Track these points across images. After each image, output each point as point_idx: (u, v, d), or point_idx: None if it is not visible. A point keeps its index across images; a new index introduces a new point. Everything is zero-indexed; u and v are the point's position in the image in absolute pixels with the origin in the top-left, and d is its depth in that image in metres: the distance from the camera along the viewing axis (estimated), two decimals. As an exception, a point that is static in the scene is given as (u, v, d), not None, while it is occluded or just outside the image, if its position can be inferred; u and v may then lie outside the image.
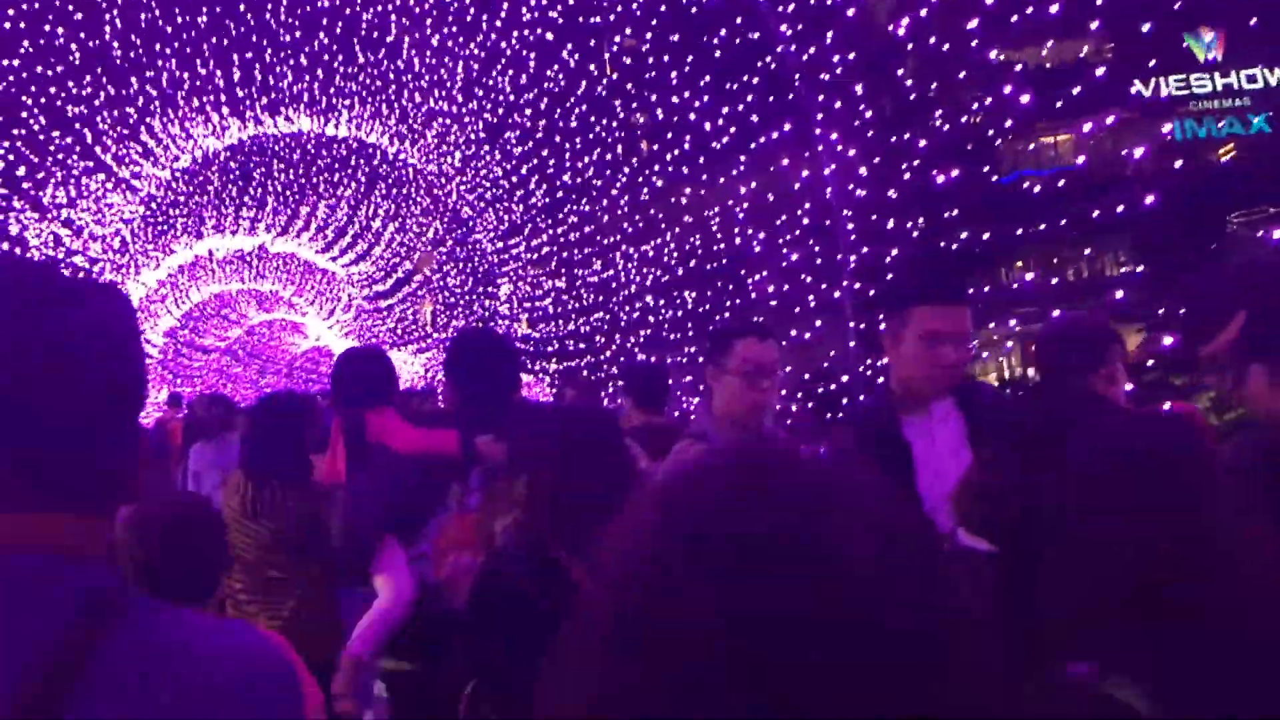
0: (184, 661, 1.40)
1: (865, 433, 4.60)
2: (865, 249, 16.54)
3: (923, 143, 16.71)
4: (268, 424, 6.50)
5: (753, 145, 18.75)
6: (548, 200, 26.34)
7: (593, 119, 22.79)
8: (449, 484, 5.08)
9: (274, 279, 43.93)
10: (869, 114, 17.40)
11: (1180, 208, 30.23)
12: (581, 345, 26.63)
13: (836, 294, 16.77)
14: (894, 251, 16.17)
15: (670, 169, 21.23)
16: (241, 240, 38.42)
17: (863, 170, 16.71)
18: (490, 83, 24.19)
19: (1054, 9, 14.19)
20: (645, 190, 22.60)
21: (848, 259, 16.52)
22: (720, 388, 4.93)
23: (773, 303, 18.45)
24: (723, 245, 20.92)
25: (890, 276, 13.80)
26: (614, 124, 22.63)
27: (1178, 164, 36.11)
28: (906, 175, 16.65)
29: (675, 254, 22.17)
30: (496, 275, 32.74)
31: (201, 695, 1.37)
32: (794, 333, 16.97)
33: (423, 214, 35.22)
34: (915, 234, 16.70)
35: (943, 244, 16.63)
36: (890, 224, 16.63)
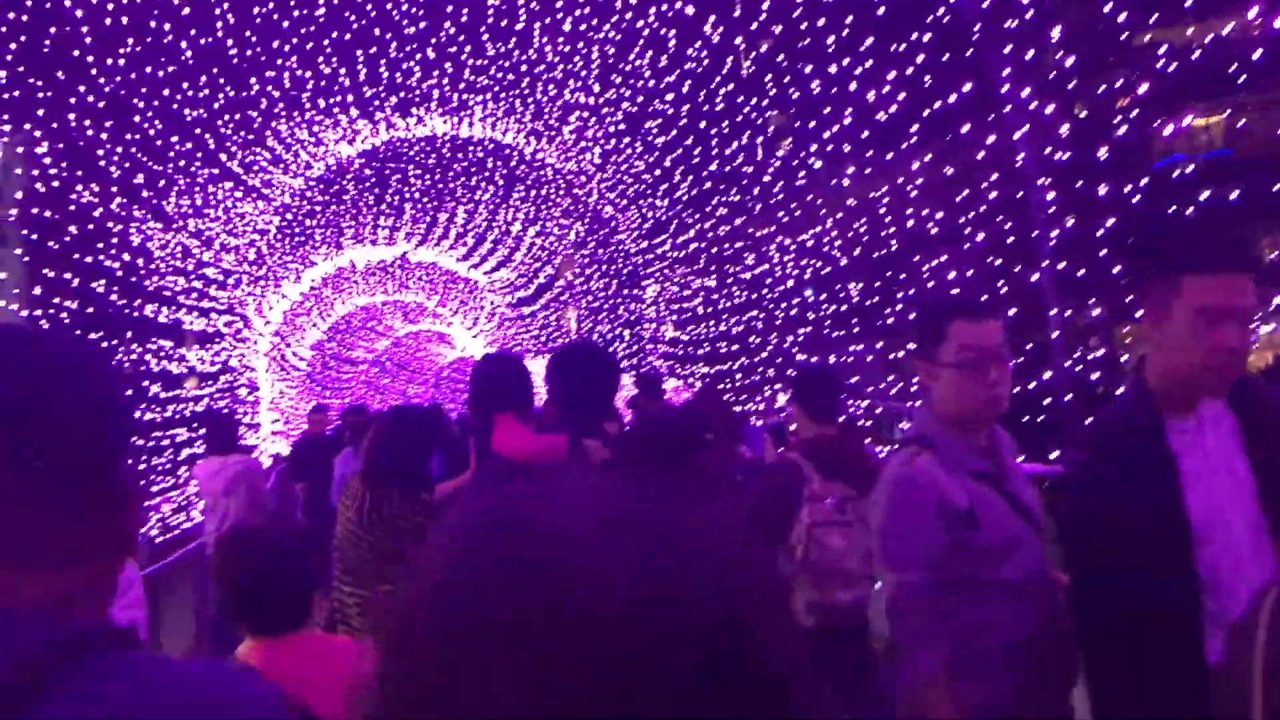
0: (133, 710, 1.32)
1: (1123, 442, 3.72)
2: (1070, 221, 14.06)
3: (1144, 87, 14.16)
4: (391, 433, 6.57)
5: (925, 112, 16.21)
6: (694, 192, 24.19)
7: (740, 99, 20.56)
8: None
9: (417, 289, 42.99)
10: (1069, 60, 14.86)
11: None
12: (734, 346, 24.44)
13: (1034, 277, 14.40)
14: (1109, 222, 13.55)
15: (830, 146, 18.82)
16: (382, 250, 37.12)
17: (1063, 129, 14.22)
18: (628, 68, 22.13)
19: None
20: (802, 173, 20.28)
21: (1046, 235, 14.10)
22: (938, 385, 4.10)
23: (954, 291, 16.05)
24: (893, 229, 18.45)
25: (1150, 239, 11.77)
26: (764, 102, 20.34)
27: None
28: (1123, 128, 14.08)
29: (838, 242, 19.85)
30: (641, 276, 30.74)
31: None
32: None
33: (563, 216, 33.49)
34: (1136, 199, 13.96)
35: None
36: (1102, 190, 13.92)
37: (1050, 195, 14.20)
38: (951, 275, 16.29)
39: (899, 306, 18.12)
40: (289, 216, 30.36)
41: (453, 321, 46.81)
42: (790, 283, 21.57)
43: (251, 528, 4.12)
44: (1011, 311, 14.16)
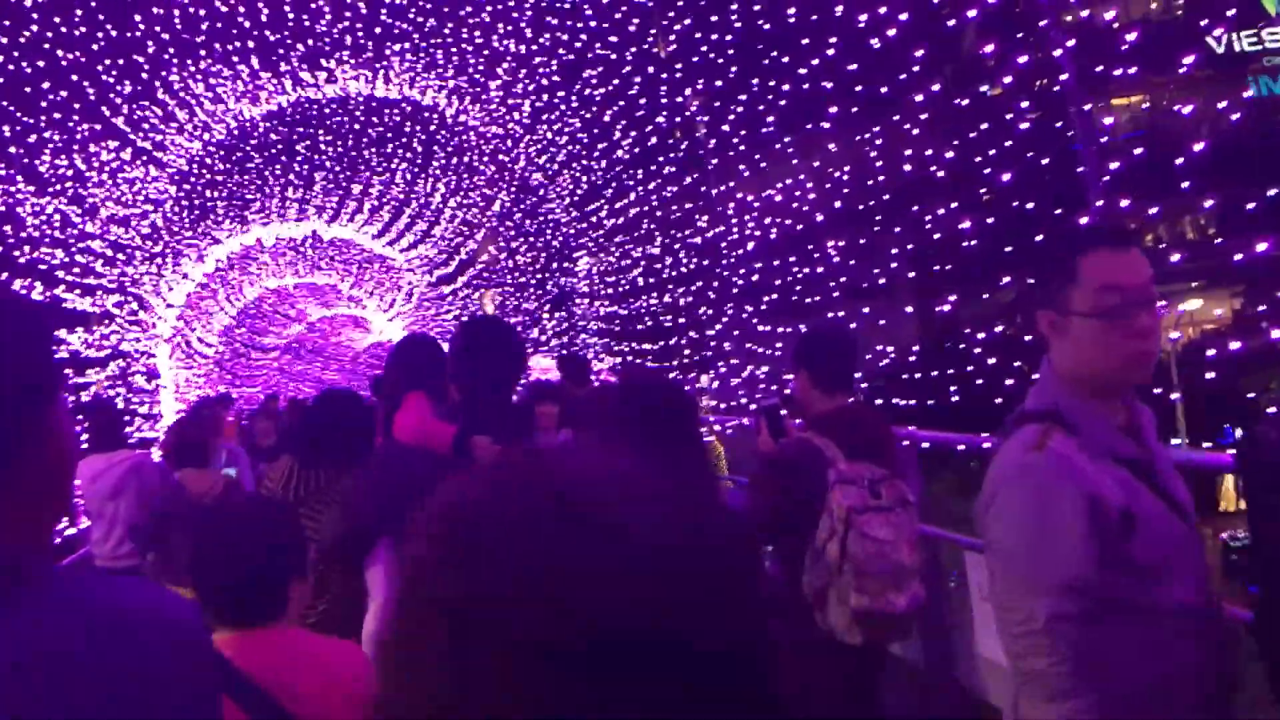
0: (82, 616, 1.41)
1: None
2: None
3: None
4: (320, 411, 6.70)
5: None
6: (637, 150, 21.19)
7: (699, 35, 17.61)
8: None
9: (330, 270, 40.69)
10: None
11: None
12: (681, 320, 21.57)
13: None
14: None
15: (806, 86, 15.89)
16: (291, 227, 34.10)
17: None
18: (564, 4, 19.12)
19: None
20: (770, 120, 17.36)
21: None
22: (1067, 340, 3.21)
23: (970, 244, 13.65)
24: (885, 178, 15.78)
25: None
26: (725, 38, 17.38)
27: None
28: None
29: (811, 195, 17.05)
30: (573, 248, 27.69)
31: (105, 643, 1.39)
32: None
33: (487, 185, 30.33)
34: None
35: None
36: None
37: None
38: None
39: (894, 266, 15.60)
40: (187, 186, 27.20)
41: (368, 304, 44.66)
42: (750, 245, 18.70)
43: (227, 508, 3.97)
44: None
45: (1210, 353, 33.59)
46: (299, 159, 29.22)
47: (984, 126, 13.81)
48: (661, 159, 20.74)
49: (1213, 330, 43.13)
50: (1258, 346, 29.19)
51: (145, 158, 23.16)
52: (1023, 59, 13.48)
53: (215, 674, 1.52)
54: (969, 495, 3.51)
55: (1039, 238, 12.76)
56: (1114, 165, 12.50)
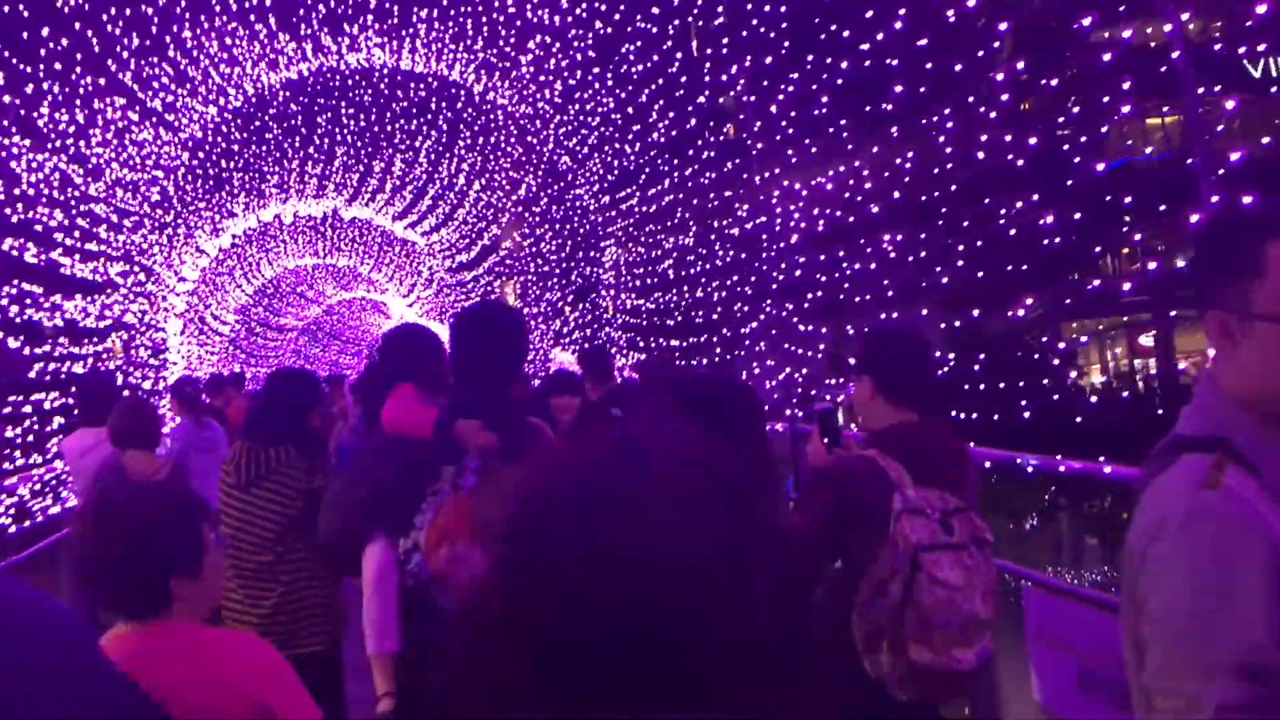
0: None
1: None
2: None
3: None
4: (271, 393, 6.83)
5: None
6: (674, 133, 19.65)
7: (748, 6, 16.06)
8: (438, 465, 4.67)
9: (350, 252, 39.59)
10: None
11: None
12: (715, 315, 20.06)
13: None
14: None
15: (867, 63, 14.35)
16: (310, 205, 32.72)
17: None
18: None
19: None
20: (824, 101, 15.80)
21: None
22: (1243, 350, 2.53)
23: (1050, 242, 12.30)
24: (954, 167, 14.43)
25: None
26: (776, 8, 15.82)
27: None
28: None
29: (867, 187, 15.54)
30: (601, 237, 26.13)
31: None
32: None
33: (513, 168, 28.81)
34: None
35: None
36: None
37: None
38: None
39: (962, 265, 14.18)
40: (201, 154, 25.75)
41: (388, 288, 43.98)
42: (794, 238, 17.17)
43: (110, 492, 3.61)
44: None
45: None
46: (319, 132, 27.84)
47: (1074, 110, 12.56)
48: (700, 143, 19.17)
49: None
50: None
51: (155, 119, 21.71)
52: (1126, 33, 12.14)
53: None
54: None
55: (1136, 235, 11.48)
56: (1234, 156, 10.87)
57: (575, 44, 19.97)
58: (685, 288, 21.40)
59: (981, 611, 4.33)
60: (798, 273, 17.36)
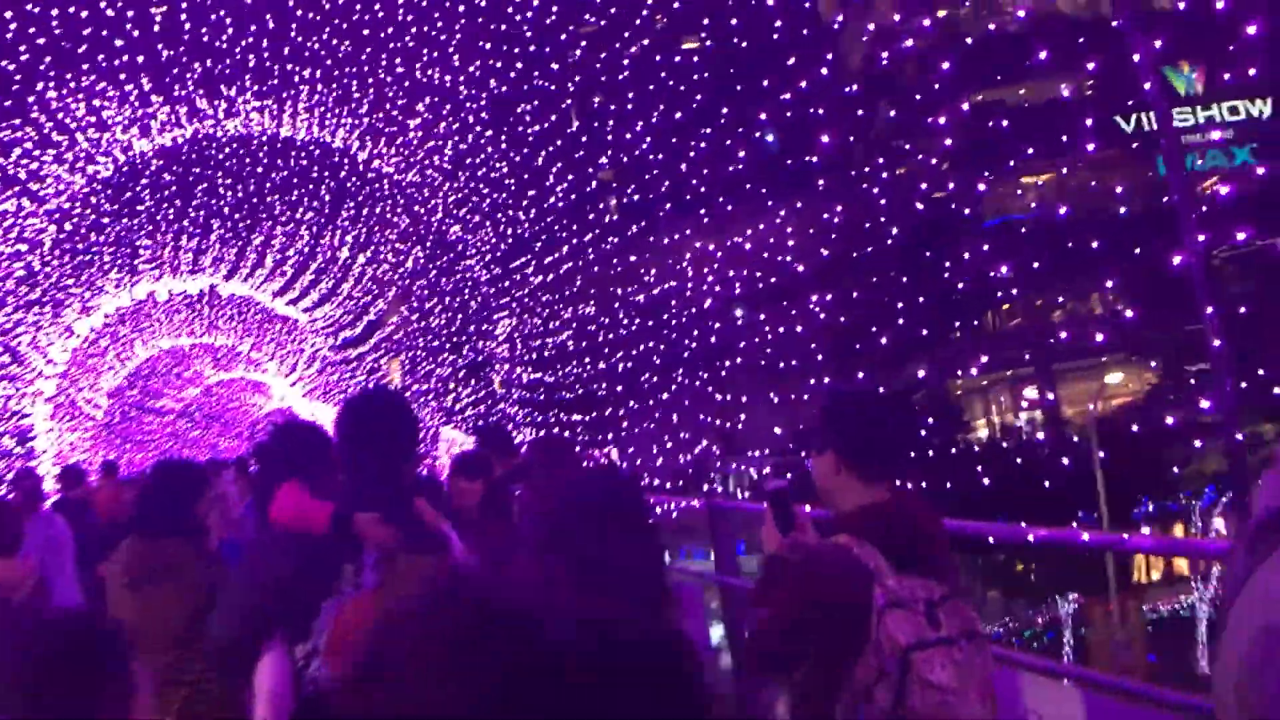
0: None
1: None
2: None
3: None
4: (163, 483, 6.46)
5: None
6: (573, 196, 18.47)
7: (651, 62, 15.05)
8: (338, 563, 4.36)
9: (228, 330, 37.97)
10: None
11: (1166, 243, 27.81)
12: (619, 388, 18.84)
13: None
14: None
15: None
16: (185, 282, 31.07)
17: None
18: (500, 28, 16.42)
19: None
20: (742, 158, 14.81)
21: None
22: None
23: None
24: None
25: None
26: (678, 63, 14.86)
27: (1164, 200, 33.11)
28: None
29: (791, 248, 14.60)
30: (493, 309, 24.78)
31: None
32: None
33: (400, 239, 27.38)
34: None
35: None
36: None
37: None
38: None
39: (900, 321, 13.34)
40: (68, 226, 24.04)
41: (269, 368, 42.04)
42: (708, 302, 16.09)
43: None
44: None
45: (1134, 427, 34.32)
46: (195, 204, 26.29)
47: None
48: (601, 205, 18.03)
49: (1130, 403, 43.02)
50: (1178, 420, 29.77)
51: (18, 188, 20.08)
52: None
53: None
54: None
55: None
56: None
57: (467, 104, 18.75)
58: (586, 359, 20.18)
59: (980, 714, 3.82)
60: (712, 339, 16.28)
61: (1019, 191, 48.45)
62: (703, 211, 16.46)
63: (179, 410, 45.65)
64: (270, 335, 37.64)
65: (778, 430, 20.38)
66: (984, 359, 41.00)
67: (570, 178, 18.32)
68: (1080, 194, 42.36)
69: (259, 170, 25.33)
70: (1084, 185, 43.04)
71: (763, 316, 18.27)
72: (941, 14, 46.64)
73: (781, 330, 17.58)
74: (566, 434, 20.13)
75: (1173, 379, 38.75)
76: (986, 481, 23.70)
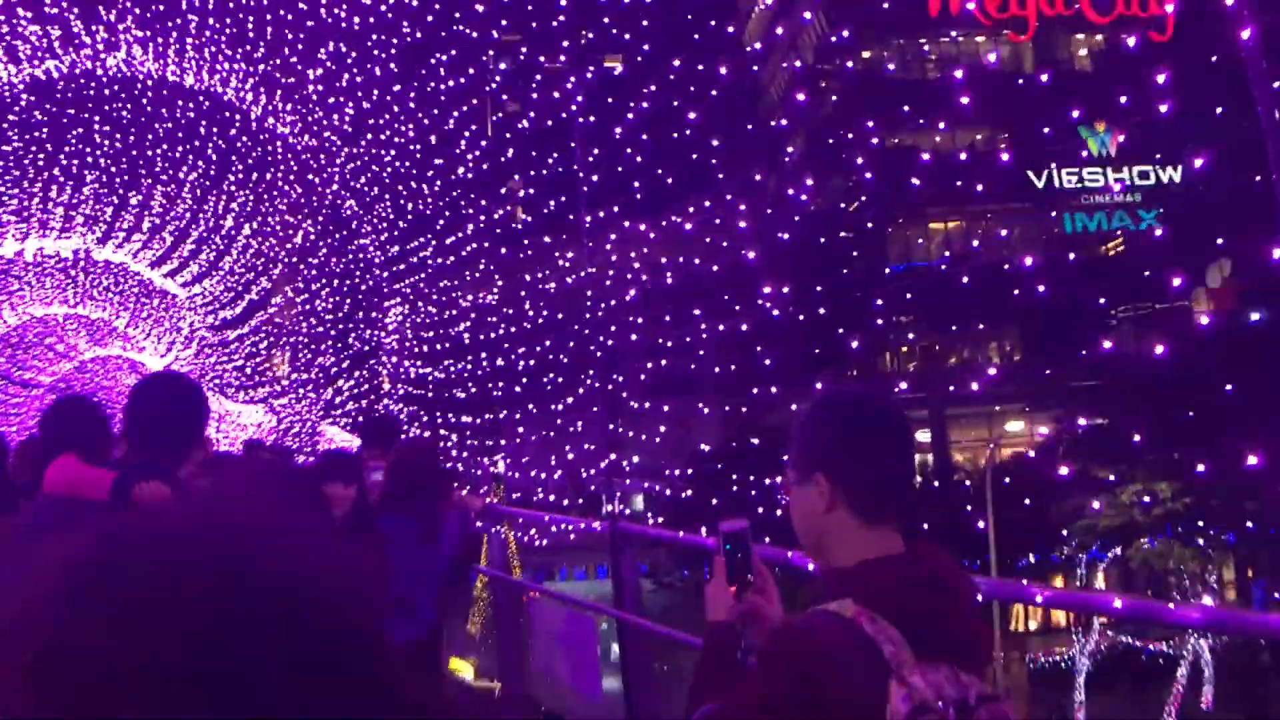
0: None
1: None
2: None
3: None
4: None
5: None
6: (484, 167, 15.99)
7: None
8: None
9: (103, 301, 35.26)
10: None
11: (1067, 299, 30.31)
12: (519, 387, 16.38)
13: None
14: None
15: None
16: (56, 241, 28.20)
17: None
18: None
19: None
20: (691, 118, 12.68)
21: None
22: None
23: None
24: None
25: None
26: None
27: (1070, 256, 36.83)
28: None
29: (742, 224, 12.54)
30: (385, 294, 22.11)
31: None
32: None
33: (290, 210, 24.59)
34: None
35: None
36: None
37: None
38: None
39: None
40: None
41: (145, 346, 39.14)
42: (631, 292, 13.81)
43: None
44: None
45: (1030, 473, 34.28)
46: (68, 151, 23.27)
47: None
48: (517, 177, 15.62)
49: (1023, 452, 42.69)
50: (1071, 472, 29.29)
51: None
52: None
53: None
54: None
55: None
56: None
57: (375, 52, 16.19)
58: (484, 355, 17.67)
59: None
60: (633, 336, 13.96)
61: (920, 240, 48.59)
62: (635, 187, 14.31)
63: (48, 385, 41.92)
64: (148, 310, 35.05)
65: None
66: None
67: (483, 145, 15.83)
68: (985, 243, 43.24)
69: (141, 120, 22.56)
70: (990, 234, 43.82)
71: (667, 319, 17.30)
72: (866, 55, 46.71)
73: (678, 338, 16.98)
74: (454, 437, 17.65)
75: (1068, 431, 37.95)
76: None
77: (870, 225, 39.04)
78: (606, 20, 15.36)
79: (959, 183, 35.71)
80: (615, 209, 15.91)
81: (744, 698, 2.88)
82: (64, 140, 23.00)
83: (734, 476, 23.69)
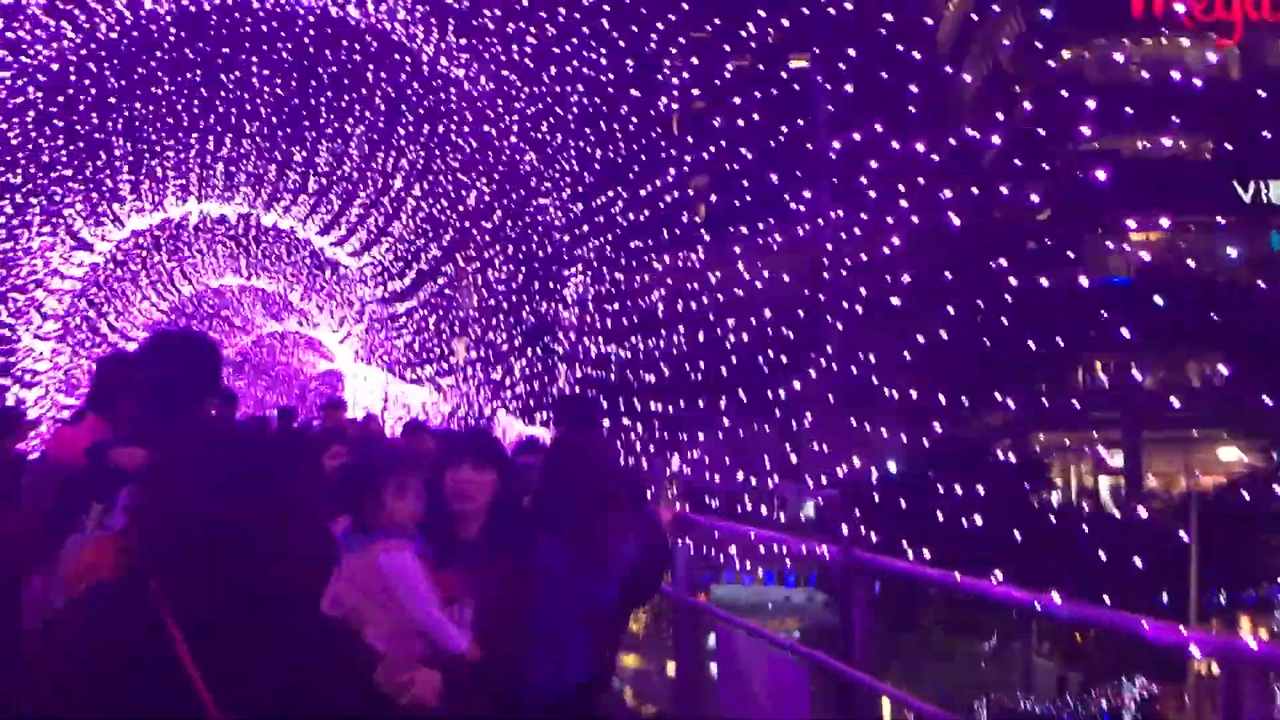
0: None
1: None
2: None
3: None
4: None
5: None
6: (694, 95, 12.54)
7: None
8: (86, 501, 4.00)
9: (276, 273, 33.33)
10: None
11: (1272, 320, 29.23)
12: (723, 367, 13.06)
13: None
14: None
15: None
16: (218, 205, 26.70)
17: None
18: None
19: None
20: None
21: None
22: None
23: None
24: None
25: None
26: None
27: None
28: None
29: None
30: (565, 261, 18.73)
31: None
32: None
33: (464, 168, 21.28)
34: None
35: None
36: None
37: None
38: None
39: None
40: (60, 99, 18.37)
41: (320, 322, 37.43)
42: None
43: None
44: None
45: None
46: (224, 94, 20.34)
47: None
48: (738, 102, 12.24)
49: (1235, 481, 38.08)
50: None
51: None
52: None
53: None
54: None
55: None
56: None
57: None
58: (682, 328, 14.28)
59: None
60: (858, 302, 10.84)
61: (1117, 251, 44.62)
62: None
63: (226, 359, 40.73)
64: (320, 283, 32.81)
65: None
66: (1071, 414, 38.71)
67: (689, 71, 12.38)
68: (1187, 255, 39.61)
69: (303, 63, 19.58)
70: (1192, 248, 40.50)
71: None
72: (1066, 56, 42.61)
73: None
74: (639, 427, 14.35)
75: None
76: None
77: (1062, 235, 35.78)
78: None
79: (1159, 193, 34.26)
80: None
81: None
82: (218, 86, 20.22)
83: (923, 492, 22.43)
